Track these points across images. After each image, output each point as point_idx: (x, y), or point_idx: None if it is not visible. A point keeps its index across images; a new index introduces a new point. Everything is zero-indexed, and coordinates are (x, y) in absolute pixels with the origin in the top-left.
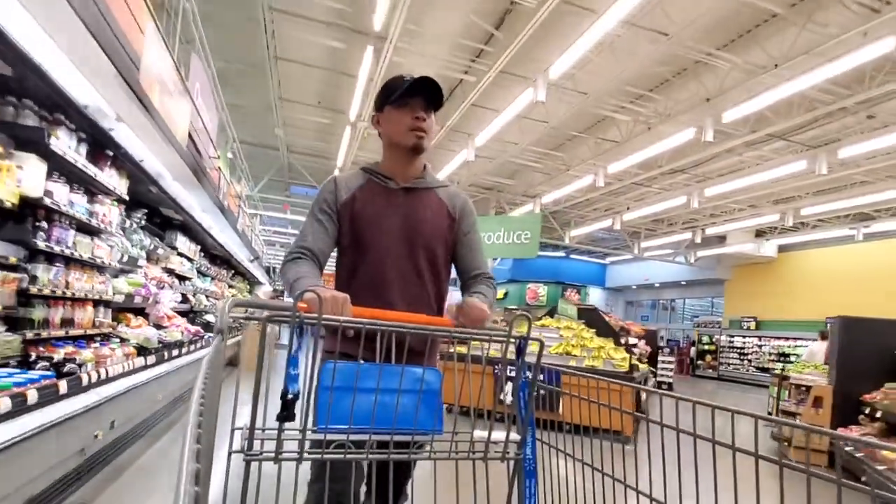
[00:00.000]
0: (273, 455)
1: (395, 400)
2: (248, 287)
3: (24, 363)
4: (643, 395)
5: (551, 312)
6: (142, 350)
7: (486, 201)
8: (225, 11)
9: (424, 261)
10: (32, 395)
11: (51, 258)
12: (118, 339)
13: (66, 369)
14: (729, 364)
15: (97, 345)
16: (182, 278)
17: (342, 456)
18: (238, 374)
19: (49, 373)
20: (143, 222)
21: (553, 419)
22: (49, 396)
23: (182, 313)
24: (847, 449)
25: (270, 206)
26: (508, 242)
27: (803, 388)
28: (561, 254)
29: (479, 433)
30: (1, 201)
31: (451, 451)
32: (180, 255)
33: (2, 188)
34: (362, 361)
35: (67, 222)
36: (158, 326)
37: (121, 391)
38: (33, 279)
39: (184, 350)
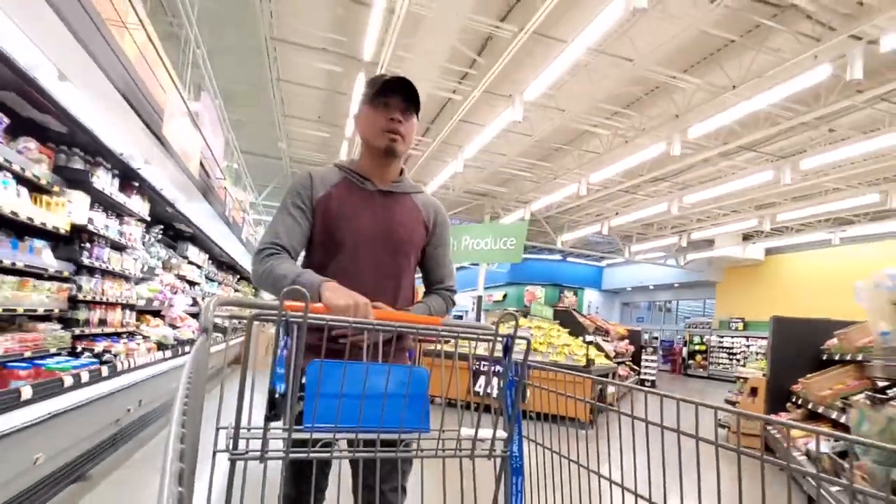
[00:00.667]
0: (258, 454)
1: (382, 399)
2: (254, 291)
3: (72, 353)
4: (609, 389)
5: (525, 313)
6: (160, 346)
7: (481, 207)
8: (231, 41)
9: (396, 264)
10: (84, 376)
11: (91, 271)
12: (141, 337)
13: (104, 358)
14: (719, 363)
15: (125, 340)
16: (192, 283)
17: (328, 454)
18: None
19: (93, 360)
20: (160, 236)
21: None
22: (95, 378)
23: (193, 315)
24: (772, 431)
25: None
26: (495, 248)
27: (743, 380)
28: (557, 257)
29: (467, 431)
30: (57, 229)
31: (438, 449)
32: (190, 263)
33: (58, 219)
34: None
35: (104, 242)
36: (173, 326)
37: (146, 377)
38: (79, 288)
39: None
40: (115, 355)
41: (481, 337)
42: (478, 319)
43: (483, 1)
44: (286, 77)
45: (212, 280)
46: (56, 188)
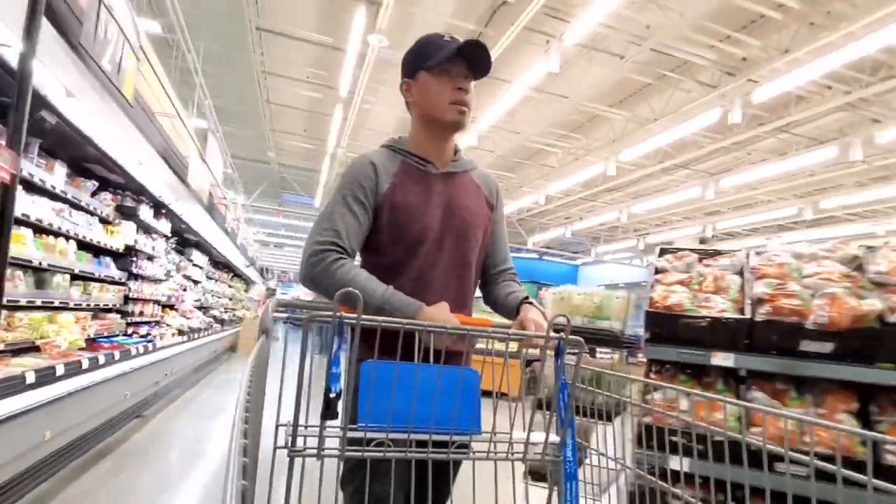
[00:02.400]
0: (315, 451)
1: (434, 399)
2: (245, 286)
3: (126, 335)
4: None
5: None
6: (180, 332)
7: None
8: (229, 73)
9: (469, 253)
10: (141, 349)
11: (136, 277)
12: (165, 325)
13: (148, 338)
14: None
15: (157, 327)
16: (196, 282)
17: (381, 454)
18: (253, 358)
19: (141, 340)
20: (174, 245)
21: None
22: (146, 350)
23: (199, 308)
24: None
25: (264, 211)
26: None
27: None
28: (535, 255)
29: (519, 434)
30: (117, 249)
31: (490, 452)
32: (195, 265)
33: (117, 240)
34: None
35: (143, 256)
36: (184, 317)
37: (172, 354)
38: (130, 289)
39: (202, 333)
40: (154, 337)
41: (533, 340)
42: None
43: None
44: (275, 100)
45: (210, 278)
46: (116, 221)
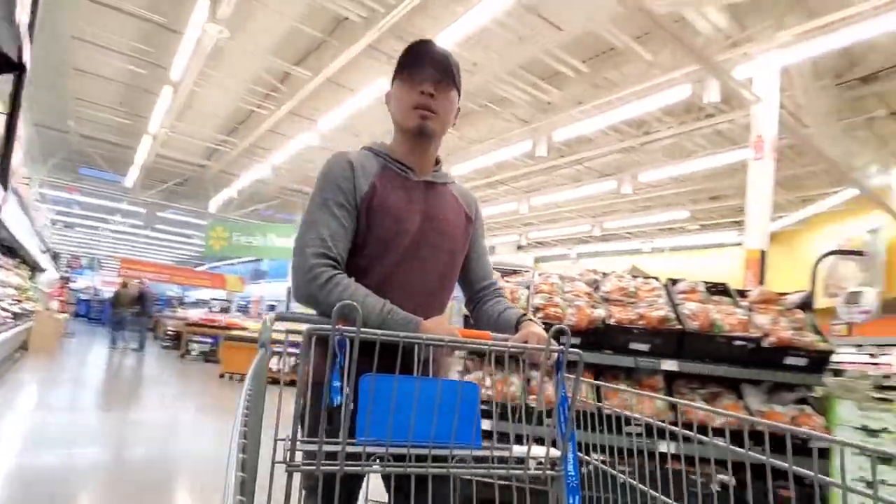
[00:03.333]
0: (313, 466)
1: (433, 414)
2: (30, 273)
3: None
4: None
5: None
6: None
7: (293, 204)
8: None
9: (446, 266)
10: None
11: None
12: None
13: None
14: None
15: None
16: None
17: (381, 469)
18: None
19: None
20: None
21: None
22: None
23: None
24: None
25: (54, 186)
26: None
27: None
28: None
29: (519, 448)
30: None
31: (489, 466)
32: None
33: None
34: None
35: None
36: None
37: None
38: None
39: None
40: None
41: (532, 353)
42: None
43: (283, 45)
44: (86, 68)
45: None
46: None
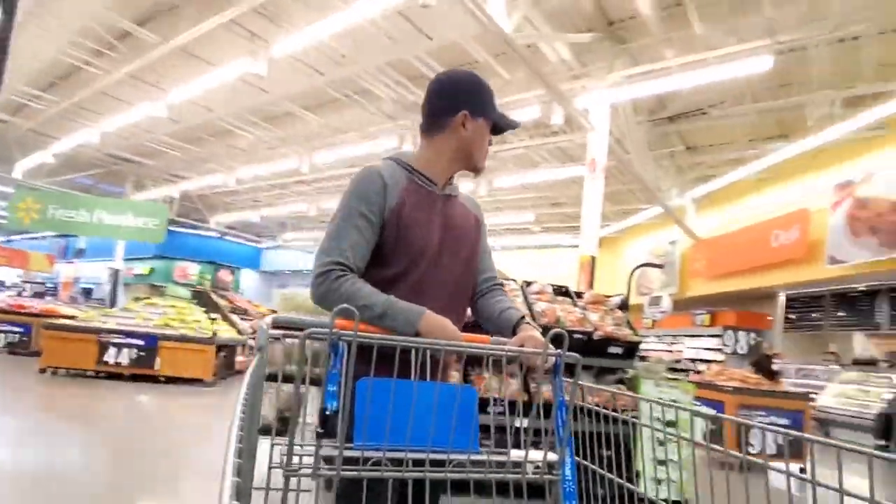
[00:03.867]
0: (311, 470)
1: (431, 418)
2: None
3: None
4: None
5: (162, 293)
6: None
7: (123, 172)
8: None
9: (463, 272)
10: None
11: None
12: None
13: None
14: None
15: None
16: None
17: (379, 473)
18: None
19: None
20: None
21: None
22: None
23: None
24: None
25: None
26: (134, 226)
27: None
28: (214, 234)
29: (516, 453)
30: None
31: (487, 470)
32: None
33: None
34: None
35: None
36: None
37: None
38: None
39: None
40: None
41: (530, 356)
42: (113, 296)
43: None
44: None
45: None
46: None
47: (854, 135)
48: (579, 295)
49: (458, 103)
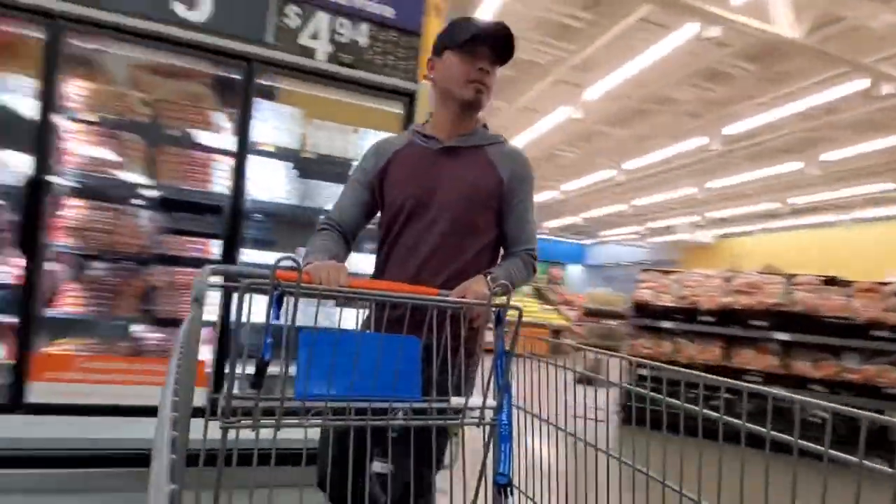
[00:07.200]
0: (250, 422)
1: (374, 368)
2: None
3: None
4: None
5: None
6: None
7: None
8: None
9: (465, 224)
10: None
11: None
12: None
13: None
14: None
15: None
16: None
17: (320, 423)
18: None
19: None
20: None
21: None
22: None
23: None
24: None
25: None
26: None
27: None
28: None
29: (457, 399)
30: None
31: (428, 417)
32: None
33: None
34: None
35: None
36: None
37: None
38: None
39: None
40: None
41: (474, 307)
42: None
43: None
44: None
45: None
46: None
47: None
48: (848, 283)
49: (428, 58)
